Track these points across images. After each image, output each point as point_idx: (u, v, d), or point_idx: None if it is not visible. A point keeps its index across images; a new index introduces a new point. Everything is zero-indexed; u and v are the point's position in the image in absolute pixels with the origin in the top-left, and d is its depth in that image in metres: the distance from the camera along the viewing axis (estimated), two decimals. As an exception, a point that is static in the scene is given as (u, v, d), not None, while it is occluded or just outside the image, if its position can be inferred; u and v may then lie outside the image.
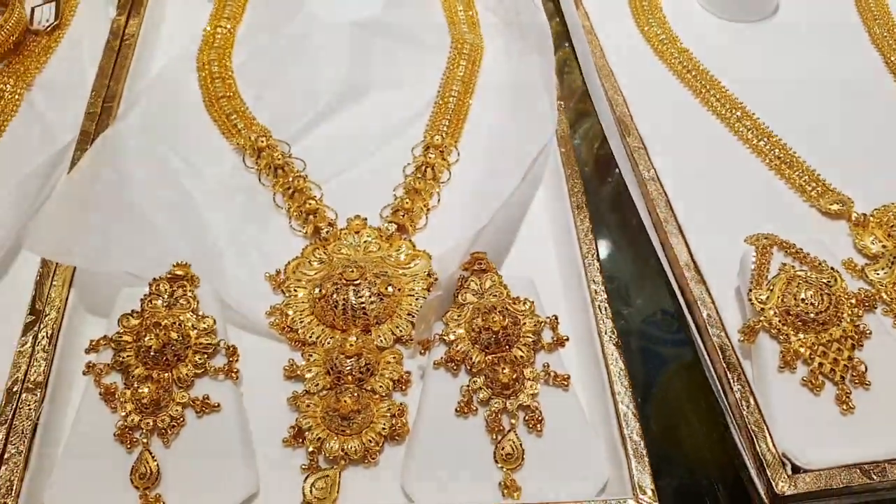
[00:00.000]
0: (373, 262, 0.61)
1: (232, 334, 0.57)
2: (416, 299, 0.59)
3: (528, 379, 0.53)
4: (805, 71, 0.81)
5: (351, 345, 0.54)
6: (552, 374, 0.53)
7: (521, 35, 0.79)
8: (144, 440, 0.50)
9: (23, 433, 0.50)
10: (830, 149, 0.72)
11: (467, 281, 0.57)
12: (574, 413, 0.53)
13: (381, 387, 0.54)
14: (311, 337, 0.57)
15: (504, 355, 0.53)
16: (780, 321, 0.55)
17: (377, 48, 0.80)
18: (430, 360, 0.54)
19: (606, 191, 0.77)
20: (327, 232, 0.64)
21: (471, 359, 0.53)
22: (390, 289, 0.58)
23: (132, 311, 0.54)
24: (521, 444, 0.51)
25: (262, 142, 0.70)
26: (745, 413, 0.53)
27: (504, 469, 0.50)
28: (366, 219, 0.65)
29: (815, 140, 0.73)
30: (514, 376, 0.52)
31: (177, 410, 0.51)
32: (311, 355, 0.56)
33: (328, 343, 0.57)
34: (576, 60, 0.86)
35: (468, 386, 0.53)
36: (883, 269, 0.62)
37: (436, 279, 0.60)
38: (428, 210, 0.67)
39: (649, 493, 0.48)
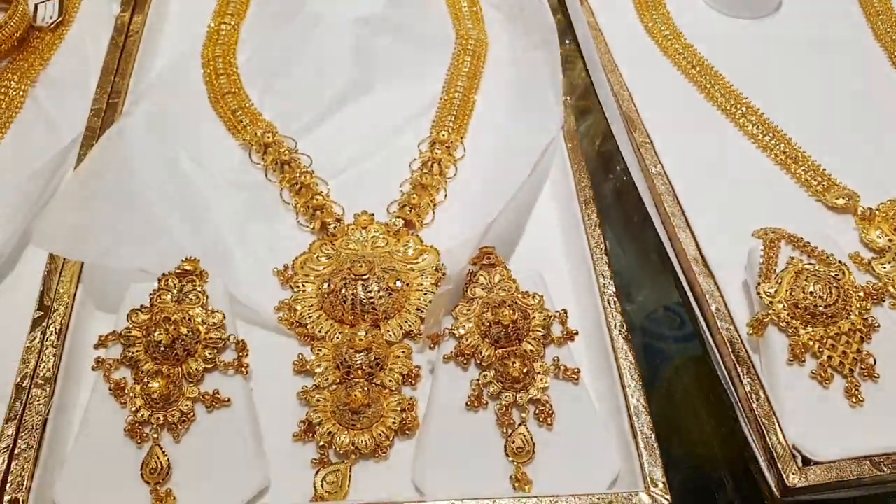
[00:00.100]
0: (381, 257, 0.61)
1: (241, 329, 0.57)
2: (425, 294, 0.59)
3: (539, 373, 0.53)
4: (808, 66, 0.81)
5: (360, 339, 0.54)
6: (562, 367, 0.53)
7: (526, 31, 0.79)
8: (155, 435, 0.50)
9: (33, 428, 0.50)
10: (835, 143, 0.72)
11: (476, 275, 0.57)
12: (584, 407, 0.53)
13: (390, 381, 0.54)
14: (319, 332, 0.57)
15: (514, 349, 0.53)
16: (788, 314, 0.56)
17: (381, 44, 0.80)
18: (440, 354, 0.54)
19: (608, 188, 0.77)
20: (335, 227, 0.64)
21: (481, 353, 0.53)
22: (399, 284, 0.58)
23: (141, 306, 0.54)
24: (531, 438, 0.51)
25: (269, 137, 0.70)
26: (755, 406, 0.53)
27: (515, 462, 0.50)
28: (373, 214, 0.65)
29: (819, 135, 0.73)
30: (524, 370, 0.52)
31: (187, 405, 0.51)
32: (320, 350, 0.56)
33: (337, 338, 0.57)
34: (578, 57, 0.86)
35: (478, 380, 0.53)
36: (890, 262, 0.62)
37: (444, 274, 0.60)
38: (435, 205, 0.67)
39: (661, 485, 0.48)
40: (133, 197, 0.62)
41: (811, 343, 0.54)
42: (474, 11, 0.86)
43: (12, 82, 0.74)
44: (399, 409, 0.53)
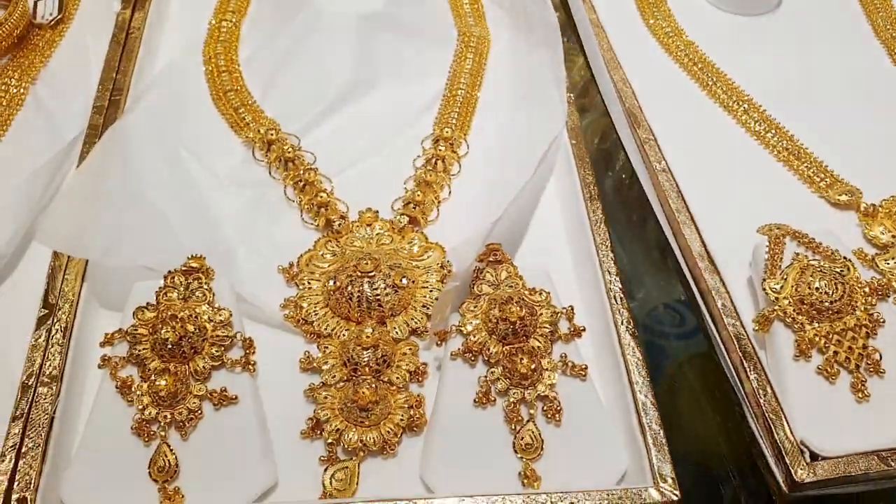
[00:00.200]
0: (386, 254, 0.61)
1: (246, 327, 0.56)
2: (430, 291, 0.59)
3: (546, 369, 0.53)
4: (809, 63, 0.82)
5: (367, 336, 0.54)
6: (570, 364, 0.53)
7: (529, 28, 0.79)
8: (162, 433, 0.50)
9: (40, 427, 0.50)
10: (836, 140, 0.73)
11: (483, 272, 0.57)
12: (592, 403, 0.53)
13: (397, 378, 0.54)
14: (326, 329, 0.57)
15: (521, 346, 0.53)
16: (794, 310, 0.56)
17: (383, 41, 0.80)
18: (447, 351, 0.54)
19: (607, 185, 0.78)
20: (339, 224, 0.64)
21: (488, 349, 0.53)
22: (405, 281, 0.58)
23: (147, 303, 0.54)
24: (539, 434, 0.51)
25: (272, 135, 0.70)
26: (762, 402, 0.53)
27: (523, 459, 0.50)
28: (377, 211, 0.65)
29: (820, 131, 0.73)
30: (532, 367, 0.52)
31: (194, 403, 0.51)
32: (326, 347, 0.56)
33: (343, 335, 0.56)
34: (579, 54, 0.86)
35: (486, 377, 0.53)
36: (893, 258, 0.62)
37: (449, 271, 0.60)
38: (439, 202, 0.67)
39: (670, 481, 0.49)
40: (136, 195, 0.62)
41: (817, 339, 0.55)
42: (476, 8, 0.86)
43: (13, 80, 0.74)
44: (406, 405, 0.53)
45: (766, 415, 0.52)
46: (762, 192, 0.69)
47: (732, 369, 0.56)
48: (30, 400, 0.51)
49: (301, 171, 0.67)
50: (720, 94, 0.78)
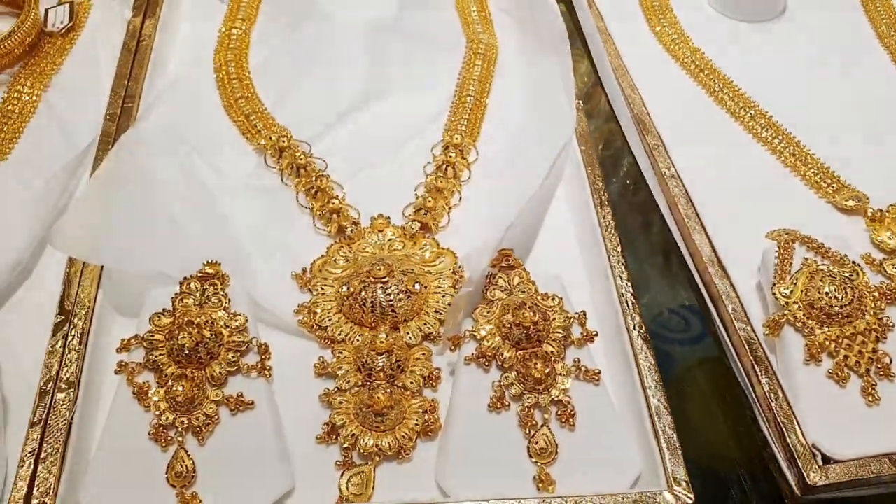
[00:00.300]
0: (398, 260, 0.62)
1: (261, 333, 0.57)
2: (443, 296, 0.60)
3: (560, 374, 0.53)
4: (814, 69, 0.82)
5: (381, 342, 0.55)
6: (583, 368, 0.54)
7: (537, 35, 0.80)
8: (179, 438, 0.50)
9: (58, 432, 0.50)
10: (842, 146, 0.73)
11: (495, 278, 0.57)
12: (605, 407, 0.53)
13: (411, 383, 0.54)
14: (339, 334, 0.58)
15: (535, 351, 0.54)
16: (804, 315, 0.56)
17: (392, 48, 0.81)
18: (461, 356, 0.55)
19: (612, 191, 0.78)
20: (352, 231, 0.64)
21: (502, 354, 0.54)
22: (417, 286, 0.59)
23: (164, 309, 0.54)
24: (554, 439, 0.51)
25: (284, 142, 0.70)
26: (773, 406, 0.53)
27: (538, 463, 0.51)
28: (389, 217, 0.66)
29: (826, 137, 0.74)
30: (546, 371, 0.52)
31: (211, 408, 0.51)
32: (341, 352, 0.56)
33: (357, 340, 0.57)
34: (581, 60, 0.86)
35: (500, 381, 0.53)
36: (901, 263, 0.63)
37: (461, 276, 0.60)
38: (450, 208, 0.68)
39: (684, 484, 0.49)
40: (150, 201, 0.63)
41: (827, 343, 0.55)
42: (483, 16, 0.87)
43: (25, 87, 0.74)
44: (421, 410, 0.53)
45: (778, 418, 0.53)
46: (769, 197, 0.69)
47: (744, 373, 0.57)
48: (47, 406, 0.51)
49: (313, 178, 0.68)
50: (727, 100, 0.78)
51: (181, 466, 0.49)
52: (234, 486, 0.50)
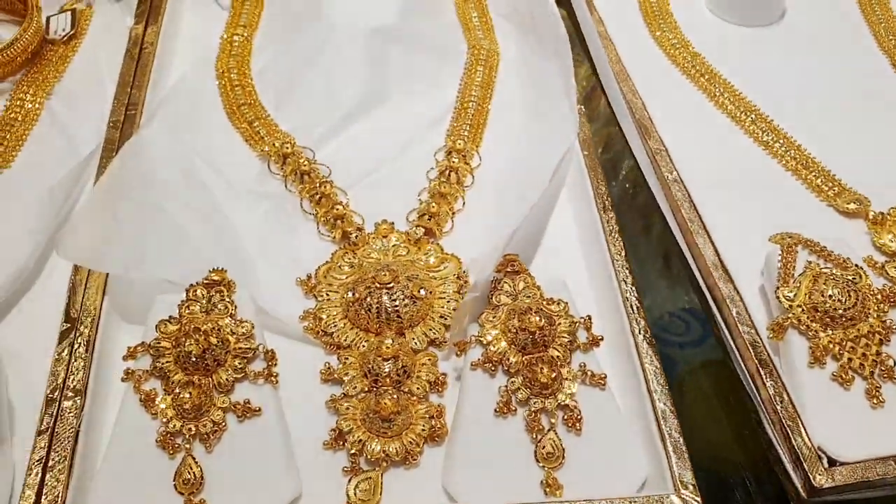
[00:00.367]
0: (403, 265, 0.62)
1: (266, 339, 0.57)
2: (448, 302, 0.60)
3: (566, 378, 0.53)
4: (813, 73, 0.83)
5: (387, 347, 0.55)
6: (589, 373, 0.54)
7: (538, 40, 0.80)
8: (187, 445, 0.50)
9: (65, 440, 0.50)
10: (842, 149, 0.73)
11: (500, 283, 0.58)
12: (611, 411, 0.53)
13: (418, 388, 0.54)
14: (345, 340, 0.58)
15: (541, 355, 0.54)
16: (808, 318, 0.56)
17: (394, 54, 0.81)
18: (467, 361, 0.55)
19: (612, 195, 0.78)
20: (356, 237, 0.64)
21: (508, 359, 0.54)
22: (422, 292, 0.59)
23: (170, 316, 0.54)
24: (561, 443, 0.51)
25: (287, 148, 0.70)
26: (779, 408, 0.53)
27: (545, 468, 0.51)
28: (393, 223, 0.66)
29: (827, 141, 0.74)
30: (552, 376, 0.52)
31: (218, 415, 0.51)
32: (347, 358, 0.56)
33: (363, 346, 0.57)
34: (583, 63, 0.87)
35: (507, 386, 0.53)
36: (904, 265, 0.63)
37: (465, 281, 0.60)
38: (453, 214, 0.68)
39: (691, 487, 0.49)
40: (155, 209, 0.63)
41: (831, 346, 0.55)
42: (484, 22, 0.87)
43: (27, 95, 0.74)
44: (427, 416, 0.53)
45: (784, 421, 0.53)
46: (771, 201, 0.70)
47: (748, 376, 0.57)
48: (54, 414, 0.51)
49: (317, 184, 0.68)
50: (727, 104, 0.79)
51: (189, 473, 0.49)
52: (242, 492, 0.50)
